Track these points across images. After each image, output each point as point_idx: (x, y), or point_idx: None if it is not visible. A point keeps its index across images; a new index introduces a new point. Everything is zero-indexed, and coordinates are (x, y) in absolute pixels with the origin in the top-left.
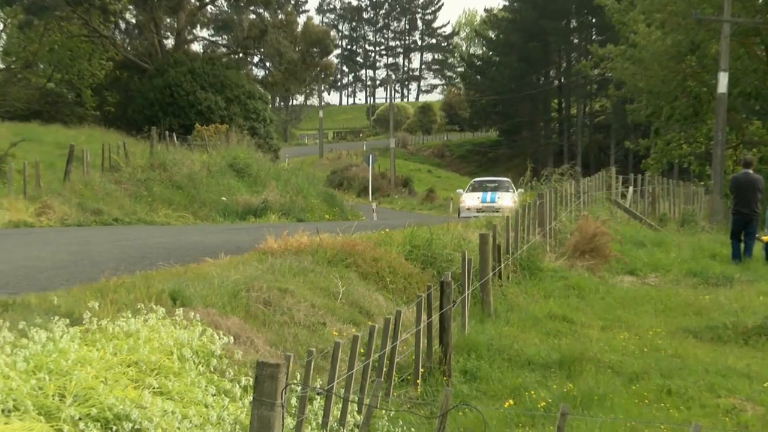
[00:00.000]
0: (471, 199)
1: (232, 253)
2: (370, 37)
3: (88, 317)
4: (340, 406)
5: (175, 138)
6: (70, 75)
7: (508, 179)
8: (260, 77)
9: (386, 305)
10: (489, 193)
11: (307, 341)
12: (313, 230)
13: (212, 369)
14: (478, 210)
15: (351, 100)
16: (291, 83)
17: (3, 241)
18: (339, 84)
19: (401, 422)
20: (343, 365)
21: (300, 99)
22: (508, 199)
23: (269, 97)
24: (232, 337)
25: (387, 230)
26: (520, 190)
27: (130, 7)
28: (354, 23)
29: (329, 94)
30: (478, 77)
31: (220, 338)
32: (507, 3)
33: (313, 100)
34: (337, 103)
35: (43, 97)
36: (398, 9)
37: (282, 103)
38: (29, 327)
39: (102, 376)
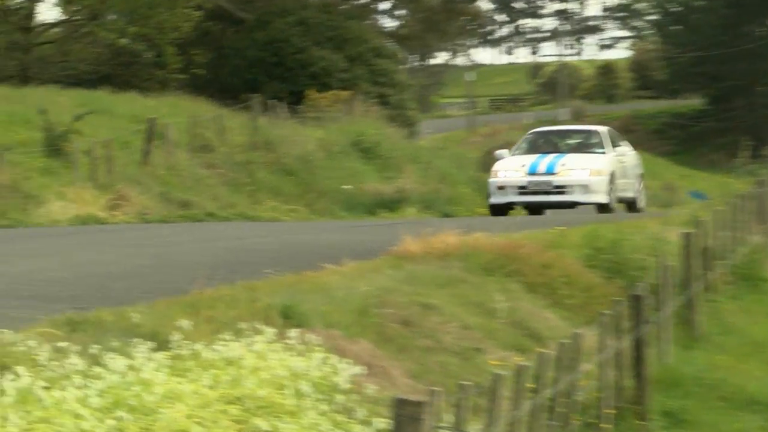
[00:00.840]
0: (510, 170)
1: (358, 258)
2: None
3: (177, 340)
4: None
5: (282, 108)
6: (147, 28)
7: (605, 129)
8: (391, 30)
9: (560, 326)
10: (549, 157)
11: (457, 372)
12: (464, 228)
13: (336, 407)
14: (521, 190)
15: (509, 59)
16: (430, 37)
17: (67, 242)
18: (493, 38)
19: None
20: (505, 404)
21: (443, 58)
22: (582, 170)
23: (403, 56)
24: (361, 367)
25: (560, 228)
26: (625, 148)
27: None
28: None
29: (481, 51)
30: (677, 27)
31: (346, 368)
32: None
33: (460, 59)
34: (492, 63)
35: (115, 56)
36: None
37: (420, 64)
38: (104, 352)
39: (196, 416)
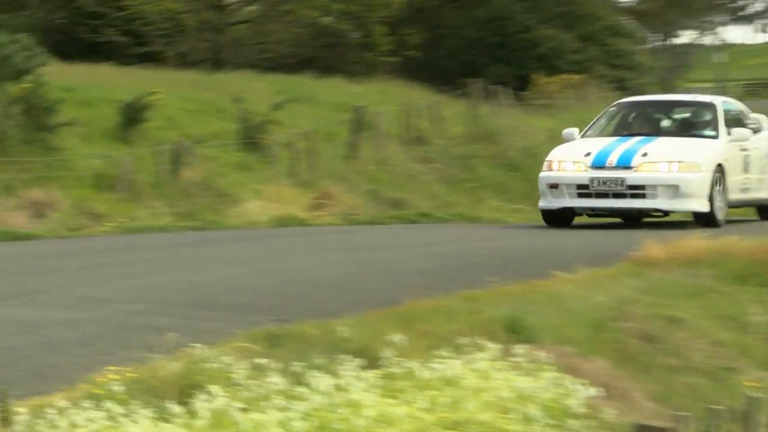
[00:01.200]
0: (568, 160)
1: (592, 264)
2: None
3: (389, 356)
4: None
5: (506, 95)
6: (354, 5)
7: (722, 101)
8: (629, 5)
9: None
10: (629, 143)
11: (707, 395)
12: (714, 230)
13: None
14: (581, 191)
15: (765, 38)
16: (674, 13)
17: (265, 246)
18: (746, 13)
19: None
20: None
21: (688, 36)
22: (671, 162)
23: (643, 35)
24: (597, 388)
25: None
26: (746, 131)
27: None
28: None
29: (732, 28)
30: None
31: (580, 389)
32: None
33: (708, 39)
34: (745, 42)
35: (317, 37)
36: None
37: (662, 43)
38: (307, 370)
39: None
